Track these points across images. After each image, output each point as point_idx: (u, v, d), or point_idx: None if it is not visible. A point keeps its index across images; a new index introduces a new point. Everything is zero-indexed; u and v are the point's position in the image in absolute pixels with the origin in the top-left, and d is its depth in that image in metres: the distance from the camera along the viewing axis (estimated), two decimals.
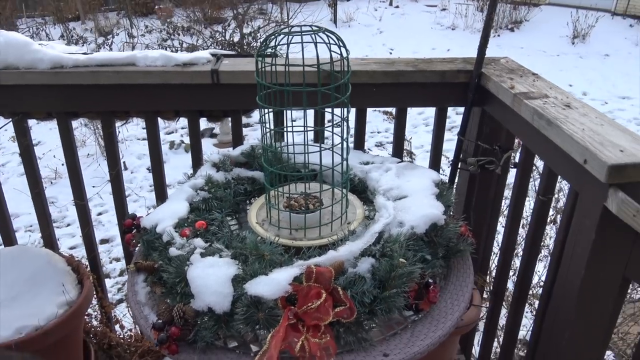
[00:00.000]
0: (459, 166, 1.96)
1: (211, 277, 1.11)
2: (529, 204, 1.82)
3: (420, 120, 7.46)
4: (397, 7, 14.65)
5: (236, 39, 8.86)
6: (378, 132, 7.16)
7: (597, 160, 1.18)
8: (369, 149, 7.14)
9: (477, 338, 2.37)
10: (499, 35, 11.92)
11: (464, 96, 1.85)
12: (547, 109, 1.44)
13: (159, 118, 1.95)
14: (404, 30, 12.62)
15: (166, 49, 8.64)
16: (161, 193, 2.02)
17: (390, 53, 11.14)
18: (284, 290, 1.08)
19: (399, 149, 1.99)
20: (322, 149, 1.37)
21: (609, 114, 8.12)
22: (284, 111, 1.80)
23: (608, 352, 3.39)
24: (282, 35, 1.24)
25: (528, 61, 10.49)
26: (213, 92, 1.82)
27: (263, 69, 1.26)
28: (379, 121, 7.39)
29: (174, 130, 7.10)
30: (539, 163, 1.84)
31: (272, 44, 1.24)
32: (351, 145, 1.96)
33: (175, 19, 12.00)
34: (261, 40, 1.21)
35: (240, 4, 9.75)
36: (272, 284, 1.08)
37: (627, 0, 12.50)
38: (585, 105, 1.48)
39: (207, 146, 6.61)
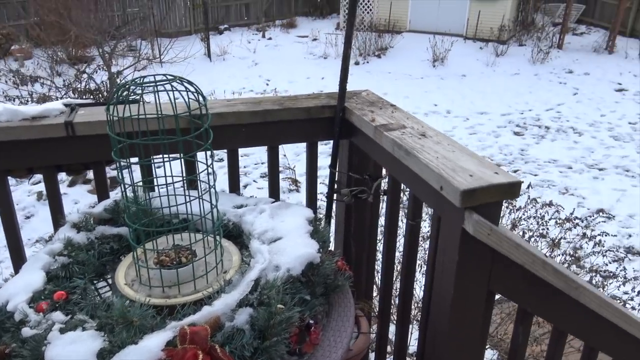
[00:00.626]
0: (335, 197, 2.00)
1: (73, 356, 1.01)
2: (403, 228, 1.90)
3: (302, 147, 7.61)
4: (270, 38, 14.94)
5: (104, 78, 8.45)
6: (262, 163, 7.17)
7: (451, 187, 1.26)
8: (254, 180, 7.13)
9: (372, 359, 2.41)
10: (367, 62, 12.60)
11: (331, 130, 1.90)
12: (405, 139, 1.53)
13: (9, 177, 1.78)
14: (279, 61, 12.89)
15: (13, 101, 7.95)
16: (18, 259, 1.83)
17: (267, 84, 11.30)
18: (156, 358, 1.01)
19: (274, 187, 1.99)
20: (191, 197, 1.32)
21: (470, 128, 8.88)
22: (151, 160, 1.72)
23: (492, 352, 3.63)
24: (135, 86, 1.19)
25: (396, 85, 11.21)
26: (69, 145, 1.70)
27: (119, 120, 1.19)
28: (262, 151, 7.41)
29: (40, 179, 6.56)
30: (406, 189, 1.94)
31: (124, 94, 1.18)
32: (226, 188, 1.93)
33: (34, 61, 11.20)
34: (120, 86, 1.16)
35: (107, 42, 9.33)
36: (142, 353, 1.01)
37: (475, 26, 13.88)
38: (439, 134, 1.59)
39: (81, 194, 6.17)
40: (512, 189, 1.29)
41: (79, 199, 5.99)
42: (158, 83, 1.21)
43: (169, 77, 1.22)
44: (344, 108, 1.85)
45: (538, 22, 14.93)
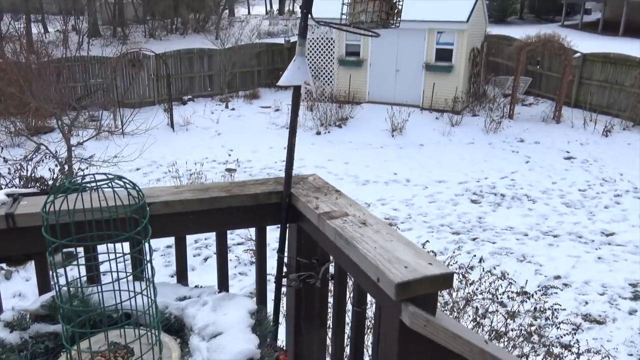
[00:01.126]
0: (284, 283, 2.01)
1: None
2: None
3: None
4: (233, 109, 15.22)
5: (63, 151, 8.37)
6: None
7: (386, 279, 1.29)
8: (215, 252, 7.02)
9: None
10: (329, 132, 12.91)
11: (279, 215, 1.93)
12: (346, 228, 1.57)
13: None
14: (242, 131, 13.08)
15: None
16: None
17: (230, 154, 11.40)
18: None
19: (222, 275, 1.98)
20: (131, 292, 1.31)
21: (430, 197, 9.09)
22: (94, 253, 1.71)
23: None
24: (74, 187, 1.20)
25: (357, 154, 11.48)
26: (10, 236, 1.67)
27: (56, 218, 1.20)
28: None
29: None
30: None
31: (61, 198, 1.19)
32: (173, 279, 1.91)
33: None
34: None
35: (67, 114, 9.32)
36: None
37: (431, 97, 14.52)
38: (379, 222, 1.64)
39: (23, 285, 5.93)
40: (445, 281, 1.33)
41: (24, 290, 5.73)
42: (99, 182, 1.22)
43: (110, 177, 1.24)
44: (290, 194, 1.90)
45: (489, 93, 15.76)
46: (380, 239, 1.50)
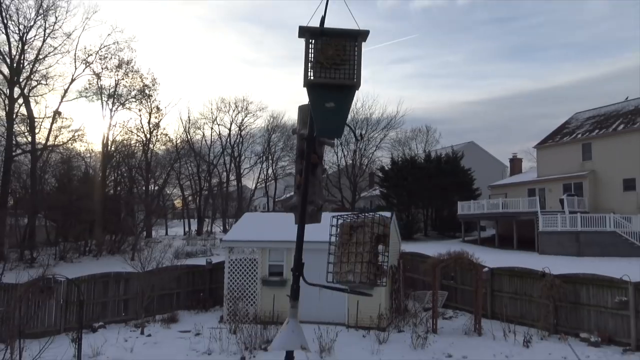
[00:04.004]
0: None
1: None
2: None
3: None
4: (149, 335, 14.20)
5: None
6: None
7: None
8: None
9: None
10: (254, 357, 12.19)
11: None
12: None
13: None
14: None
15: None
16: None
17: None
18: None
19: None
20: None
21: None
22: None
23: None
24: None
25: None
26: None
27: None
28: None
29: None
30: None
31: None
32: None
33: None
34: None
35: None
36: None
37: (356, 315, 14.53)
38: None
39: None
40: None
41: None
42: None
43: None
44: None
45: (411, 308, 16.08)
46: None
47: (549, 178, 36.94)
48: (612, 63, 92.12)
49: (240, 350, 12.41)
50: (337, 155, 51.60)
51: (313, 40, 2.95)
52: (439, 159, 43.49)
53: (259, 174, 57.30)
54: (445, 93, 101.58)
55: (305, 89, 2.93)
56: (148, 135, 44.64)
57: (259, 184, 57.98)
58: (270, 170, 58.02)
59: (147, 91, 43.19)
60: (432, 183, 40.20)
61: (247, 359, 12.04)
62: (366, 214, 3.22)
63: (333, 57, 2.89)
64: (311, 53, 2.93)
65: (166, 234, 52.07)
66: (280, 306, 15.29)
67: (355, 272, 2.85)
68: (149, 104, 44.19)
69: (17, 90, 33.58)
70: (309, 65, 2.92)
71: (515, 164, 47.99)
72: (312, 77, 2.92)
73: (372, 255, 3.06)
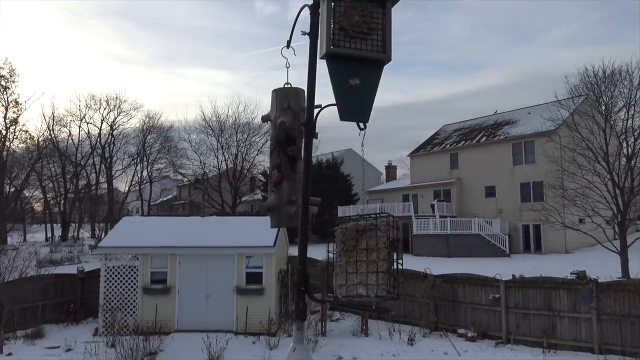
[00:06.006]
0: None
1: None
2: None
3: None
4: (9, 354, 12.55)
5: None
6: None
7: None
8: None
9: None
10: None
11: None
12: None
13: None
14: None
15: None
16: None
17: None
18: None
19: None
20: None
21: None
22: None
23: None
24: None
25: None
26: None
27: None
28: None
29: None
30: None
31: None
32: None
33: None
34: None
35: None
36: None
37: (245, 321, 14.13)
38: None
39: None
40: None
41: None
42: None
43: None
44: None
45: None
46: None
47: (421, 184, 39.42)
48: (469, 82, 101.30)
49: None
50: (217, 158, 50.44)
51: (334, 3, 2.48)
52: (319, 164, 44.38)
53: (133, 176, 54.06)
54: (324, 102, 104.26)
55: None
56: (4, 132, 40.06)
57: (132, 187, 54.70)
58: (145, 173, 55.06)
59: (3, 82, 38.76)
60: (314, 188, 40.72)
61: None
62: (378, 215, 2.78)
63: (359, 24, 2.46)
64: (331, 17, 2.44)
65: (24, 239, 46.98)
66: (164, 315, 14.40)
67: (369, 285, 2.43)
68: (5, 96, 39.68)
69: None
70: (330, 31, 2.45)
71: (391, 171, 50.61)
72: (332, 47, 2.43)
73: (389, 264, 2.63)
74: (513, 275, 14.24)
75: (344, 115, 2.60)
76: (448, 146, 39.32)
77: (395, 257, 2.71)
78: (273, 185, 3.05)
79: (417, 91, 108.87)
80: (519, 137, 33.61)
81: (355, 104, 2.56)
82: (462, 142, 38.57)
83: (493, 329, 13.54)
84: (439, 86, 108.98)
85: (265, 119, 3.15)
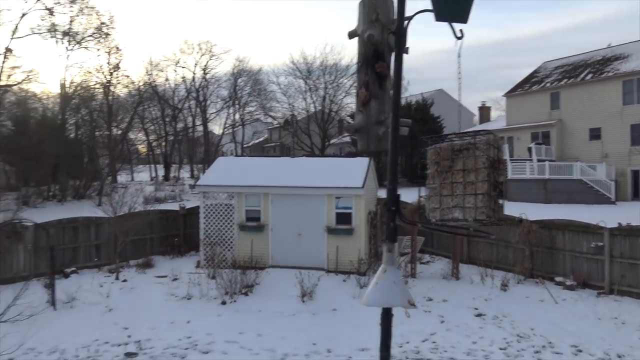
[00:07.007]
0: None
1: None
2: None
3: None
4: (124, 280, 13.85)
5: None
6: None
7: None
8: None
9: None
10: (235, 301, 12.05)
11: None
12: None
13: None
14: (137, 306, 11.75)
15: None
16: None
17: (129, 336, 9.96)
18: None
19: None
20: None
21: None
22: None
23: None
24: None
25: (269, 324, 10.65)
26: None
27: None
28: None
29: None
30: None
31: None
32: None
33: None
34: None
35: None
36: None
37: (336, 260, 14.48)
38: None
39: None
40: None
41: None
42: None
43: None
44: None
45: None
46: None
47: (518, 126, 37.39)
48: (573, 15, 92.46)
49: (220, 294, 12.23)
50: (305, 101, 50.77)
51: None
52: (408, 105, 43.26)
53: (226, 119, 56.03)
54: (413, 41, 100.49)
55: None
56: (108, 77, 42.60)
57: (226, 130, 56.80)
58: (237, 116, 56.81)
59: (104, 29, 40.82)
60: None
61: (228, 303, 11.89)
62: (477, 134, 2.64)
63: None
64: None
65: (132, 179, 50.81)
66: (258, 251, 15.11)
67: (467, 208, 2.32)
68: (107, 43, 41.89)
69: None
70: None
71: (484, 113, 48.42)
72: None
73: (490, 186, 2.50)
74: (619, 223, 13.26)
75: (440, 15, 2.40)
76: (548, 85, 36.67)
77: (495, 179, 2.51)
78: (360, 105, 2.89)
79: (514, 26, 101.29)
80: (631, 74, 30.55)
81: (453, 2, 2.32)
82: (565, 80, 35.76)
83: (594, 279, 12.86)
84: (538, 21, 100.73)
85: (352, 34, 2.93)
